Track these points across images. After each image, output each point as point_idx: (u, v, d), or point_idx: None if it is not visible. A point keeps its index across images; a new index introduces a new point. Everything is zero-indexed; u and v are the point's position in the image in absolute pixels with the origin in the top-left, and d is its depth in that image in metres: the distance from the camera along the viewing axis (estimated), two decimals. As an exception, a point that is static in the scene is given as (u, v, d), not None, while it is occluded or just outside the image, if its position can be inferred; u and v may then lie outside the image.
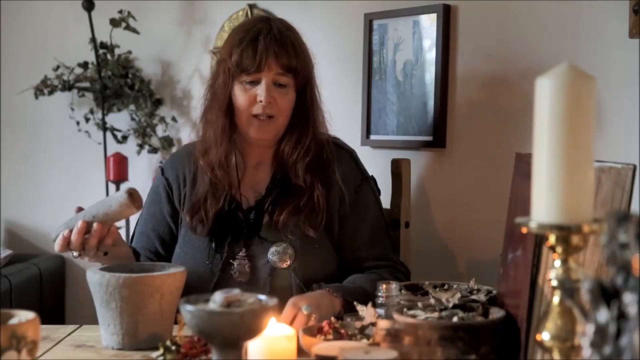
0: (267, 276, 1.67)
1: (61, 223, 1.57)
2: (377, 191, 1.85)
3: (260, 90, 1.67)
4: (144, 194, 2.87)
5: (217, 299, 1.11)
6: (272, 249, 1.67)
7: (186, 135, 2.86)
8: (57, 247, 1.55)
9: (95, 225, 1.51)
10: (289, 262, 1.67)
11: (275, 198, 1.71)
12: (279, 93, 1.68)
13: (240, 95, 1.69)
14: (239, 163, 1.75)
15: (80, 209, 1.59)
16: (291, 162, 1.72)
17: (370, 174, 1.84)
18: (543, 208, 0.95)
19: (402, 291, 1.46)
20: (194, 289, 1.60)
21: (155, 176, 1.87)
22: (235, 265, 1.68)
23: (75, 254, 1.54)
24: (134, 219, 2.77)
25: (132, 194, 1.53)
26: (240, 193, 1.74)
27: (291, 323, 1.43)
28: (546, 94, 0.95)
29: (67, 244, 1.53)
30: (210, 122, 1.73)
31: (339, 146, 1.82)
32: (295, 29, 1.74)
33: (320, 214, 1.70)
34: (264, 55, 1.65)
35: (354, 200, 1.76)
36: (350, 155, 1.83)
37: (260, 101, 1.66)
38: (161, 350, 1.30)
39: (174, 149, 2.86)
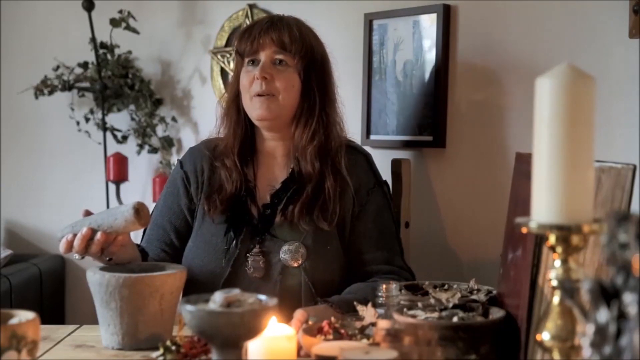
0: (278, 274, 1.68)
1: (67, 224, 1.56)
2: (389, 196, 1.86)
3: (256, 69, 1.73)
4: (145, 193, 2.90)
5: (217, 299, 1.11)
6: (285, 247, 1.68)
7: (186, 135, 2.87)
8: (60, 248, 1.55)
9: (99, 234, 1.49)
10: (300, 261, 1.68)
11: (290, 195, 1.73)
12: (277, 71, 1.73)
13: (243, 77, 1.75)
14: (254, 159, 1.79)
15: (88, 213, 1.57)
16: (301, 148, 1.74)
17: (384, 179, 1.85)
18: (543, 208, 0.95)
19: (402, 291, 1.46)
20: (205, 283, 1.62)
21: (174, 169, 1.88)
22: (249, 261, 1.69)
23: (77, 256, 1.54)
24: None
25: (139, 211, 1.49)
26: (256, 185, 1.76)
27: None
28: (546, 94, 0.95)
29: (70, 247, 1.53)
30: (226, 112, 1.81)
31: (354, 149, 1.84)
32: (301, 20, 1.80)
33: (331, 206, 1.71)
34: (257, 36, 1.72)
35: (365, 202, 1.77)
36: (365, 158, 1.84)
37: (256, 77, 1.71)
38: (161, 350, 1.30)
39: (174, 149, 2.87)
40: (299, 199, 1.71)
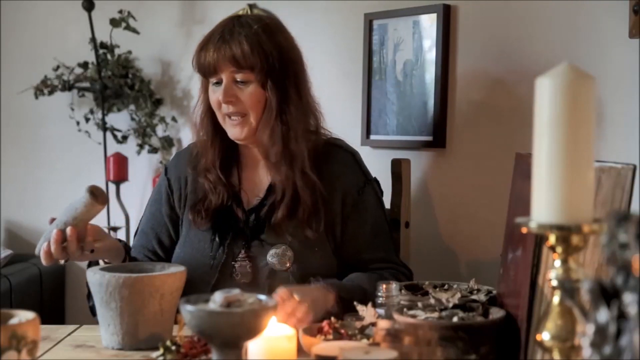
0: (266, 279, 1.67)
1: (42, 239, 1.59)
2: (380, 193, 1.84)
3: (221, 90, 1.69)
4: (145, 193, 2.89)
5: (217, 299, 1.11)
6: (272, 251, 1.67)
7: (186, 135, 2.86)
8: (43, 261, 1.59)
9: (68, 230, 1.54)
10: (288, 265, 1.67)
11: (274, 200, 1.71)
12: (240, 90, 1.68)
13: (211, 97, 1.72)
14: (238, 162, 1.77)
15: (53, 219, 1.61)
16: (265, 153, 1.71)
17: (374, 176, 1.84)
18: (543, 208, 0.95)
19: (402, 291, 1.46)
20: (193, 289, 1.61)
21: (160, 175, 1.87)
22: (236, 267, 1.68)
23: (62, 262, 1.58)
24: (135, 217, 2.78)
25: (93, 192, 1.54)
26: (241, 190, 1.75)
27: (290, 315, 1.41)
28: (546, 94, 0.95)
29: (50, 256, 1.56)
30: (202, 125, 1.77)
31: (340, 148, 1.81)
32: (258, 23, 1.71)
33: (313, 213, 1.68)
34: (212, 58, 1.67)
35: (356, 202, 1.75)
36: (352, 157, 1.81)
37: (222, 101, 1.68)
38: (161, 350, 1.30)
39: (174, 149, 2.87)
40: (281, 206, 1.69)
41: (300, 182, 1.68)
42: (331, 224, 1.72)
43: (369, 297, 1.46)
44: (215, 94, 1.70)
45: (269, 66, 1.68)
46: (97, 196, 1.55)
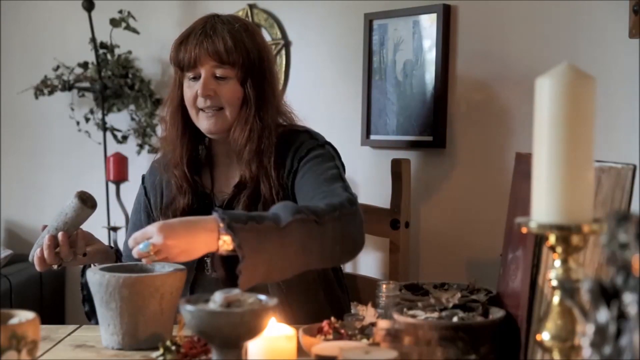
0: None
1: (34, 246, 1.62)
2: (336, 153, 1.76)
3: (198, 84, 1.69)
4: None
5: (217, 299, 1.11)
6: None
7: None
8: (37, 267, 1.60)
9: (60, 235, 1.57)
10: None
11: (242, 196, 1.70)
12: (219, 85, 1.69)
13: (186, 92, 1.72)
14: (209, 160, 1.78)
15: (45, 227, 1.63)
16: (238, 150, 1.71)
17: (329, 141, 1.77)
18: (543, 208, 0.95)
19: (402, 291, 1.46)
20: None
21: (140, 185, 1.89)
22: (208, 262, 1.68)
23: (55, 267, 1.61)
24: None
25: (82, 197, 1.57)
26: (214, 189, 1.76)
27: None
28: (546, 94, 0.95)
29: (44, 262, 1.58)
30: (172, 123, 1.77)
31: (300, 131, 1.77)
32: (238, 22, 1.73)
33: (272, 203, 1.64)
34: (194, 52, 1.68)
35: (303, 156, 1.70)
36: (305, 131, 1.77)
37: (200, 94, 1.69)
38: (161, 350, 1.30)
39: (174, 149, 2.87)
40: (241, 200, 1.69)
41: (263, 178, 1.69)
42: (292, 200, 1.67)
43: (276, 222, 1.37)
44: (192, 89, 1.70)
45: (250, 64, 1.70)
46: (86, 201, 1.58)
